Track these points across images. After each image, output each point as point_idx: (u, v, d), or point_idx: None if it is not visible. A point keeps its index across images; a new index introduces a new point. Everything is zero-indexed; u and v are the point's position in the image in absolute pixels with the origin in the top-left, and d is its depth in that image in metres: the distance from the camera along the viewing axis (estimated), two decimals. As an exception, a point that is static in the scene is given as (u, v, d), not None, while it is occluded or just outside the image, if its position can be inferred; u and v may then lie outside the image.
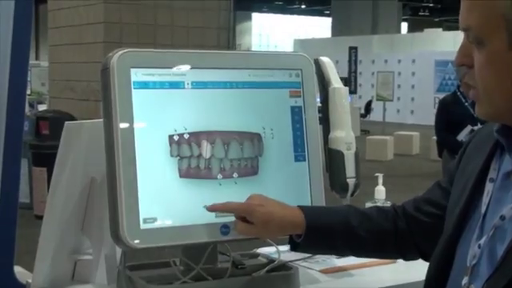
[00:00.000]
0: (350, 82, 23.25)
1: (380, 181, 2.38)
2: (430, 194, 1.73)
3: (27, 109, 10.92)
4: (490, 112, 1.37)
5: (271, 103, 1.85)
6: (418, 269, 1.67)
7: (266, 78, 1.85)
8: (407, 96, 25.88)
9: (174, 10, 9.68)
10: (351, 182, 2.03)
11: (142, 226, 1.66)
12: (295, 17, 44.25)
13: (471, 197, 1.46)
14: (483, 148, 1.49)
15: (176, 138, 1.72)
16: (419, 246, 1.72)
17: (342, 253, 1.85)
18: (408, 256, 1.77)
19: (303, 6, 41.63)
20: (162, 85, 1.73)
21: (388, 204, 2.34)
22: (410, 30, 39.51)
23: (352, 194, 2.04)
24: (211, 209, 1.70)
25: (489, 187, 1.42)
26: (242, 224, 1.70)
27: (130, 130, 1.67)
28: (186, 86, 1.75)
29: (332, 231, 1.70)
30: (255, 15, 43.90)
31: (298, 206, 1.73)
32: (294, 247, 1.74)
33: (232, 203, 1.71)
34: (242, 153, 1.79)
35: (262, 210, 1.68)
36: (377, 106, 22.44)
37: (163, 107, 1.72)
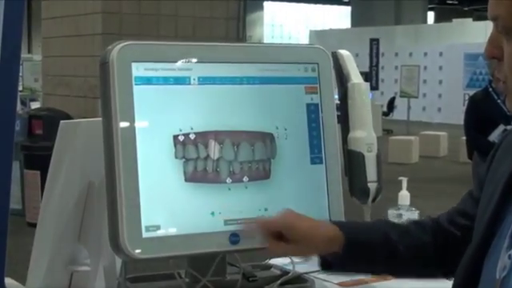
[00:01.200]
0: (371, 77, 23.24)
1: (404, 185, 2.38)
2: (462, 204, 1.71)
3: (19, 107, 10.95)
4: None
5: (285, 100, 1.85)
6: (443, 280, 1.67)
7: (280, 72, 1.86)
8: (434, 92, 25.83)
9: (179, -2, 9.69)
10: (372, 186, 2.03)
11: (144, 234, 1.66)
12: (311, 6, 44.21)
13: (501, 203, 1.45)
14: None
15: (181, 138, 1.72)
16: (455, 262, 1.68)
17: (380, 270, 1.82)
18: (450, 273, 1.73)
19: (320, -6, 41.63)
20: (165, 80, 1.73)
21: (413, 210, 2.34)
22: (437, 20, 39.45)
23: (373, 200, 2.05)
24: (246, 230, 1.69)
25: None
26: (277, 242, 1.66)
27: (131, 129, 1.67)
28: (191, 82, 1.76)
29: (372, 246, 1.68)
30: (267, 4, 43.89)
31: (331, 221, 1.71)
32: (328, 266, 1.71)
33: (267, 218, 1.70)
34: (253, 155, 1.79)
35: (303, 225, 1.66)
36: (400, 103, 22.40)
37: (167, 105, 1.72)
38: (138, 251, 1.65)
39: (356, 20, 34.51)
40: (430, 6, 37.51)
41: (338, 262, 1.68)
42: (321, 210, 1.84)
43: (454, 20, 32.07)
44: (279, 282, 1.85)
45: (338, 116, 1.96)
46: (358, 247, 1.67)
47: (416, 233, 1.72)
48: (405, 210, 2.34)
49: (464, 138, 7.52)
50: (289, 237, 1.64)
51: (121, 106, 1.66)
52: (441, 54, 26.01)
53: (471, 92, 9.23)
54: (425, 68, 24.97)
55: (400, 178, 2.38)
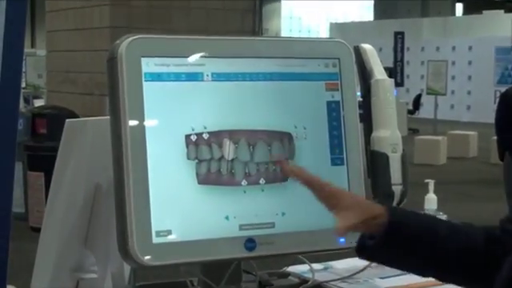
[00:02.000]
0: (395, 72, 23.19)
1: (431, 188, 2.38)
2: None
3: (22, 104, 11.00)
4: None
5: (304, 98, 1.85)
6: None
7: (298, 68, 1.86)
8: (463, 89, 25.76)
9: (191, -11, 9.70)
10: (397, 189, 2.03)
11: (155, 239, 1.66)
12: (332, -3, 44.18)
13: None
14: None
15: (194, 138, 1.72)
16: None
17: (418, 269, 1.66)
18: None
19: (341, -15, 41.56)
20: (177, 76, 1.73)
21: (440, 215, 2.33)
22: (466, 11, 39.32)
23: (398, 204, 2.04)
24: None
25: None
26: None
27: (141, 128, 1.67)
28: (205, 78, 1.76)
29: (417, 233, 1.57)
30: (285, -5, 43.88)
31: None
32: (363, 252, 1.62)
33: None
34: (270, 155, 1.79)
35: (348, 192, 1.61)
36: (427, 100, 22.34)
37: (179, 102, 1.73)
38: (147, 258, 1.65)
39: (379, 12, 34.45)
40: (458, -3, 37.38)
41: (375, 248, 1.57)
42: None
43: (484, 12, 31.95)
44: (298, 290, 1.85)
45: (360, 114, 1.95)
46: (402, 228, 1.56)
47: (467, 234, 1.61)
48: (432, 214, 2.34)
49: (495, 137, 7.50)
50: (336, 203, 1.57)
51: (130, 104, 1.67)
52: (470, 48, 25.93)
53: (503, 88, 9.18)
54: (453, 63, 24.90)
55: (426, 180, 2.38)
